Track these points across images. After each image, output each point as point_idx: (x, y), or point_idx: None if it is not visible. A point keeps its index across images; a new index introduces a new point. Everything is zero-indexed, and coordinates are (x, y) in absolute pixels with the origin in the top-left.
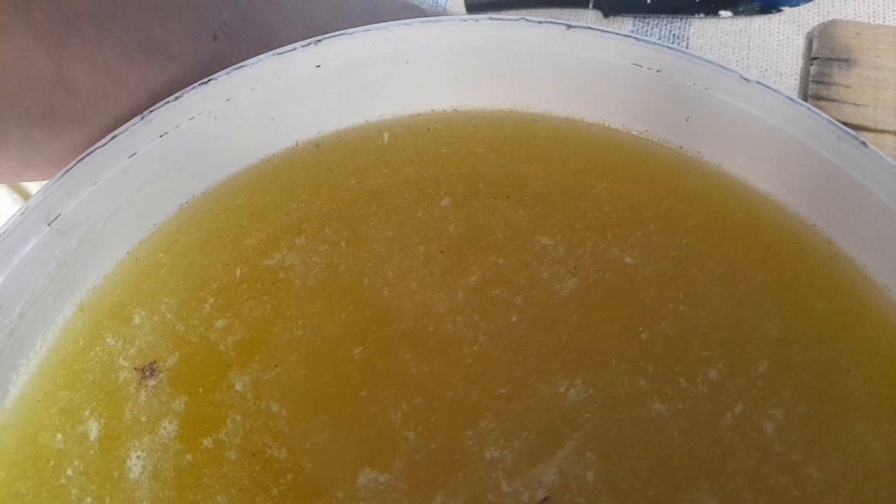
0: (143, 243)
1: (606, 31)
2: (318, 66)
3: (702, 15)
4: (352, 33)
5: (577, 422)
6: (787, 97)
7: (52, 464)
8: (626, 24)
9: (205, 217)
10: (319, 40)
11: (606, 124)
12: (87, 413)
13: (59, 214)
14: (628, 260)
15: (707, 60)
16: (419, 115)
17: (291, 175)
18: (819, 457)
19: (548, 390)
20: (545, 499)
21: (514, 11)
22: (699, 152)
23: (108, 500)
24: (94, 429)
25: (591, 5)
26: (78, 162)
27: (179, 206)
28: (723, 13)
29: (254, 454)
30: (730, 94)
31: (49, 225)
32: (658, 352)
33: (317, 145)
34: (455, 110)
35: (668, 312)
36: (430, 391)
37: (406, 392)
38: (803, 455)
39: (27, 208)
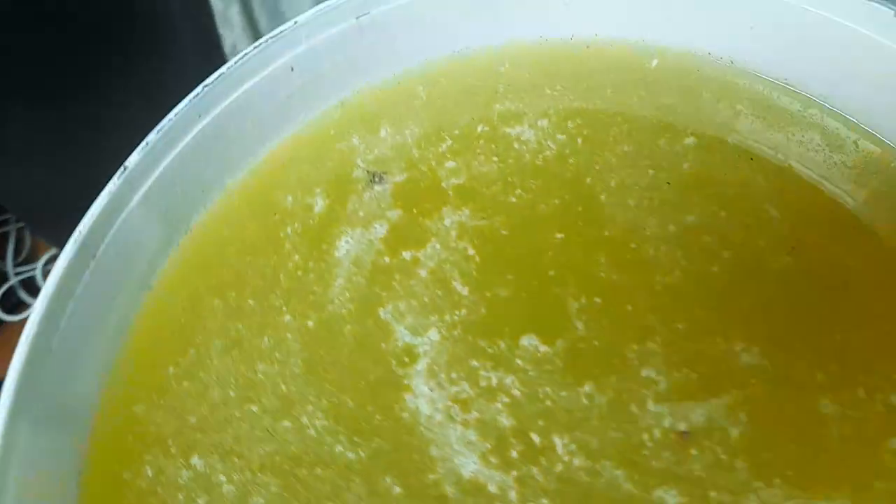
0: (409, 71)
1: None
2: None
3: None
4: None
5: (741, 382)
6: None
7: (277, 217)
8: None
9: (468, 70)
10: None
11: (879, 132)
12: (318, 189)
13: (368, 13)
14: (849, 262)
15: None
16: (695, 53)
17: (556, 65)
18: None
19: (723, 344)
20: (685, 432)
21: None
22: None
23: (311, 263)
24: (319, 204)
25: None
26: None
27: (451, 52)
28: None
29: (440, 280)
30: None
31: (357, 18)
32: (847, 356)
33: (588, 46)
34: (732, 63)
35: (872, 326)
36: (611, 297)
37: (590, 289)
38: None
39: None
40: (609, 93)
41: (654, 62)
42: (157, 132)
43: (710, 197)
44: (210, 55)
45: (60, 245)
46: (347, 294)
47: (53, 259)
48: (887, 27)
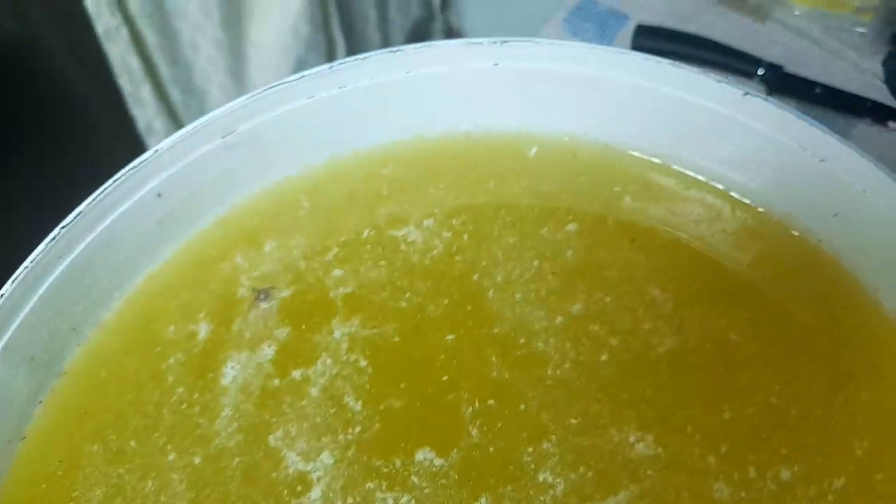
0: (291, 179)
1: (783, 107)
2: (497, 64)
3: (869, 121)
4: (538, 42)
5: (637, 475)
6: None
7: (158, 349)
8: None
9: (351, 175)
10: (506, 41)
11: (751, 199)
12: (201, 315)
13: (234, 130)
14: (733, 336)
15: (876, 163)
16: (572, 137)
17: (439, 161)
18: None
19: (617, 436)
20: None
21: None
22: (838, 252)
23: (196, 395)
24: (203, 330)
25: (756, 79)
26: (265, 90)
27: (331, 156)
28: (892, 124)
29: (332, 398)
30: (890, 203)
31: (223, 137)
32: (736, 434)
33: (467, 138)
34: (606, 145)
35: (758, 400)
36: (504, 398)
37: (483, 391)
38: None
39: (212, 118)
40: (491, 185)
41: (534, 150)
42: (13, 282)
43: (594, 283)
44: (124, 137)
45: None
46: (235, 424)
47: None
48: (739, 104)
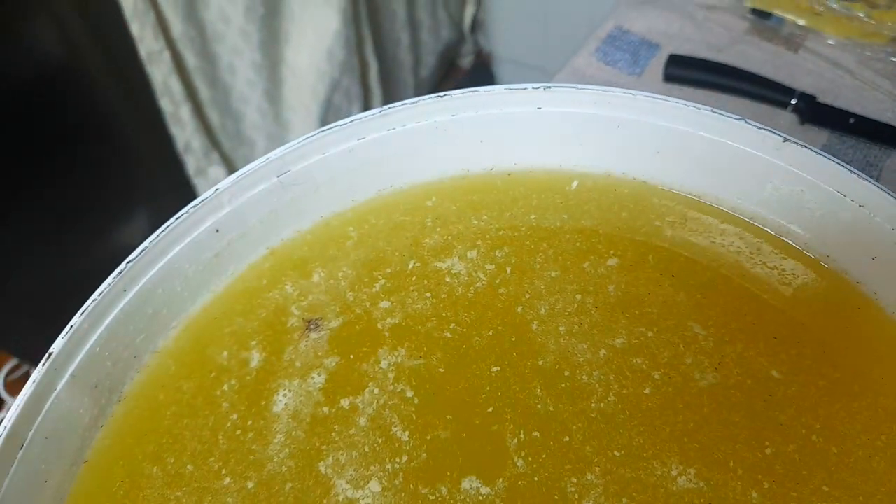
0: (338, 214)
1: (822, 153)
2: (540, 108)
3: None
4: (580, 88)
5: None
6: None
7: (213, 375)
8: (821, 136)
9: (396, 208)
10: (549, 86)
11: (791, 239)
12: (253, 342)
13: (289, 170)
14: (775, 373)
15: None
16: (611, 175)
17: (481, 195)
18: None
19: (660, 468)
20: None
21: (710, 92)
22: (877, 294)
23: (250, 422)
24: (256, 358)
25: (789, 108)
26: (319, 132)
27: (378, 192)
28: None
29: (380, 427)
30: None
31: (278, 177)
32: (779, 471)
33: (509, 174)
34: (645, 182)
35: (800, 437)
36: (549, 429)
37: (528, 423)
38: None
39: (268, 159)
40: (533, 218)
41: (574, 184)
42: (82, 314)
43: (636, 317)
44: (163, 155)
45: (20, 355)
46: (287, 450)
47: (14, 370)
48: (779, 150)
